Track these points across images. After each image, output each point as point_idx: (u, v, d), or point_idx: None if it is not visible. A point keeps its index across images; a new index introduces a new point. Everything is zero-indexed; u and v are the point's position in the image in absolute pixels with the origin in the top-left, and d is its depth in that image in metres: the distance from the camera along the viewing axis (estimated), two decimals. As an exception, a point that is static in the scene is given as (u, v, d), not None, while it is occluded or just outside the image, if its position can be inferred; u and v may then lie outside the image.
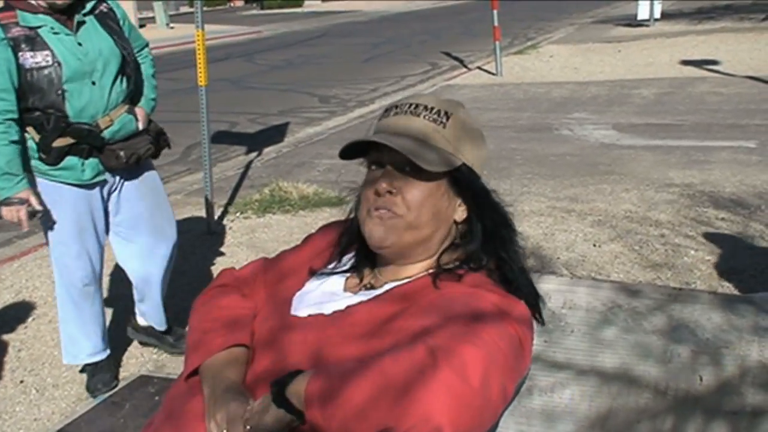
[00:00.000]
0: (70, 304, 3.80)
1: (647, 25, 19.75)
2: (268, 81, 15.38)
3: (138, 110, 3.73)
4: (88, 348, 3.89)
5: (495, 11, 13.36)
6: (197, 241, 5.95)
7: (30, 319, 4.81)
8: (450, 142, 1.72)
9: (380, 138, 1.68)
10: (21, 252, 6.05)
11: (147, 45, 3.93)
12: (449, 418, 1.37)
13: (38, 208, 3.46)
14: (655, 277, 4.66)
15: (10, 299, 5.12)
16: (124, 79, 3.61)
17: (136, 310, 4.24)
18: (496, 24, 13.43)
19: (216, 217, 6.39)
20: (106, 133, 3.54)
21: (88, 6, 3.53)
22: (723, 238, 5.26)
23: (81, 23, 3.48)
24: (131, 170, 3.75)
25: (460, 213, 1.76)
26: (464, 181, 1.74)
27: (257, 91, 14.11)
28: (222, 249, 5.75)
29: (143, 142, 3.70)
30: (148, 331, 4.25)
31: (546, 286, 4.35)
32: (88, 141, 3.49)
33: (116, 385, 3.93)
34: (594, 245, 5.27)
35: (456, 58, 16.65)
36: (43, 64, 3.34)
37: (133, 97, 3.74)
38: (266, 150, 9.15)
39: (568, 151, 8.15)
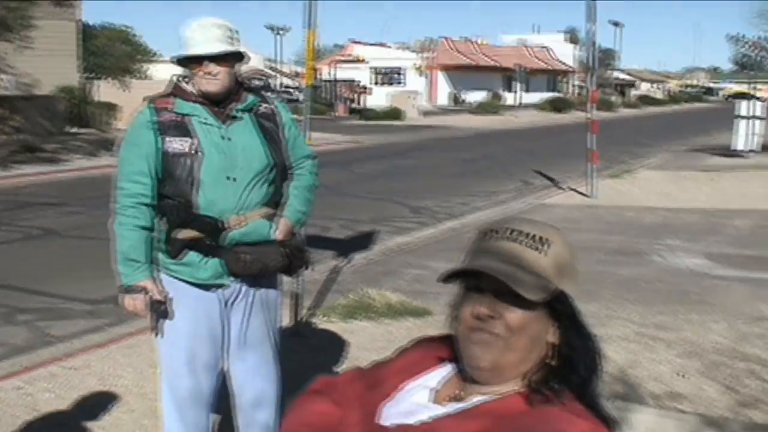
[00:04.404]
0: (174, 413, 3.53)
1: (743, 156, 19.56)
2: (363, 189, 15.64)
3: (282, 220, 3.51)
4: None
5: (593, 135, 13.44)
6: (284, 342, 5.99)
7: (111, 407, 4.86)
8: (550, 270, 1.75)
9: (484, 267, 1.72)
10: (110, 340, 6.18)
11: (313, 157, 3.74)
12: None
13: (159, 298, 3.33)
14: (743, 414, 4.53)
15: (94, 386, 5.20)
16: (267, 184, 3.45)
17: None
18: (593, 147, 13.48)
19: (302, 319, 6.46)
20: (234, 234, 3.35)
21: (247, 103, 3.46)
22: (816, 377, 5.10)
23: (234, 118, 3.41)
24: (255, 281, 3.50)
25: (553, 335, 1.78)
26: (560, 308, 1.76)
27: (351, 198, 14.35)
28: (306, 352, 5.79)
29: (274, 253, 3.45)
30: None
31: (631, 415, 4.29)
32: (211, 236, 3.34)
33: None
34: (681, 376, 5.16)
35: (549, 178, 16.72)
36: (185, 151, 3.29)
37: (277, 205, 3.54)
38: (355, 256, 9.27)
39: (658, 278, 8.06)
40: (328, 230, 10.92)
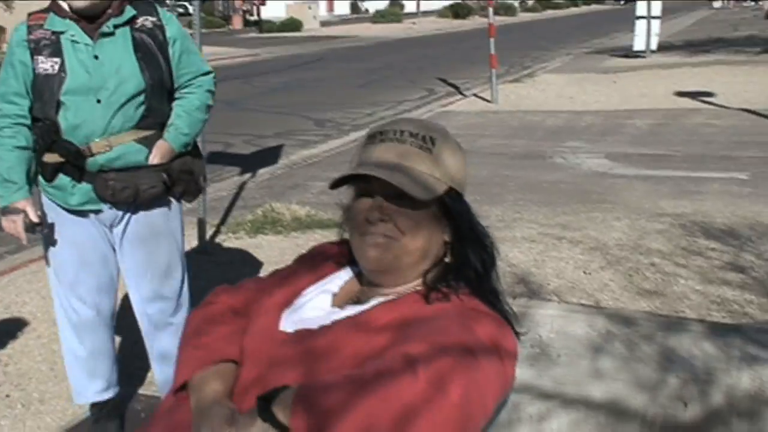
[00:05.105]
0: (70, 337, 3.48)
1: (643, 57, 19.88)
2: (265, 103, 15.42)
3: (159, 143, 3.25)
4: (92, 386, 3.55)
5: (492, 39, 13.45)
6: (190, 260, 5.89)
7: (18, 334, 4.77)
8: (437, 168, 1.75)
9: (372, 171, 1.71)
10: (11, 267, 6.03)
11: (205, 73, 3.43)
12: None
13: (35, 220, 3.19)
14: (645, 306, 4.66)
15: (-1, 314, 5.10)
16: (140, 106, 3.18)
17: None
18: (492, 52, 13.50)
19: (208, 237, 6.38)
20: (98, 159, 3.14)
21: (124, 17, 3.17)
22: (713, 267, 5.26)
23: (108, 34, 3.13)
24: (138, 206, 3.32)
25: (448, 233, 1.79)
26: (451, 204, 1.77)
27: (253, 113, 14.14)
28: (214, 269, 5.74)
29: (149, 178, 3.23)
30: None
31: (535, 311, 4.37)
32: (74, 162, 3.15)
33: None
34: (584, 272, 5.27)
35: (452, 85, 16.74)
36: (50, 71, 3.08)
37: (159, 128, 3.28)
38: (260, 171, 9.17)
39: (561, 179, 8.19)
40: (230, 146, 10.77)
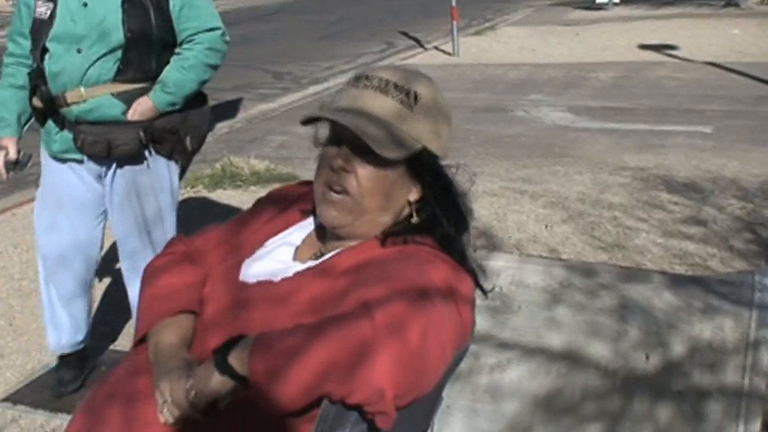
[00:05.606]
0: (44, 283, 3.49)
1: (606, 9, 19.85)
2: (223, 56, 15.20)
3: (140, 99, 3.15)
4: (58, 336, 3.54)
5: (453, -10, 13.36)
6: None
7: (-24, 288, 4.71)
8: (414, 127, 1.72)
9: (343, 119, 1.67)
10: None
11: (208, 30, 3.27)
12: (390, 379, 1.40)
13: (12, 159, 3.26)
14: (607, 259, 4.67)
15: (-43, 267, 5.02)
16: (119, 60, 3.10)
17: None
18: (454, 4, 13.42)
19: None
20: (74, 109, 3.11)
21: None
22: (675, 221, 5.27)
23: None
24: (122, 162, 3.25)
25: (415, 193, 1.77)
26: (422, 165, 1.73)
27: (212, 65, 13.95)
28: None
29: (124, 134, 3.14)
30: None
31: (495, 263, 4.32)
32: (49, 109, 3.16)
33: (81, 386, 3.58)
34: (546, 226, 5.26)
35: (413, 38, 16.60)
36: (43, 17, 3.09)
37: (150, 83, 3.17)
38: (219, 125, 9.07)
39: (523, 133, 8.16)
40: (189, 99, 10.62)
